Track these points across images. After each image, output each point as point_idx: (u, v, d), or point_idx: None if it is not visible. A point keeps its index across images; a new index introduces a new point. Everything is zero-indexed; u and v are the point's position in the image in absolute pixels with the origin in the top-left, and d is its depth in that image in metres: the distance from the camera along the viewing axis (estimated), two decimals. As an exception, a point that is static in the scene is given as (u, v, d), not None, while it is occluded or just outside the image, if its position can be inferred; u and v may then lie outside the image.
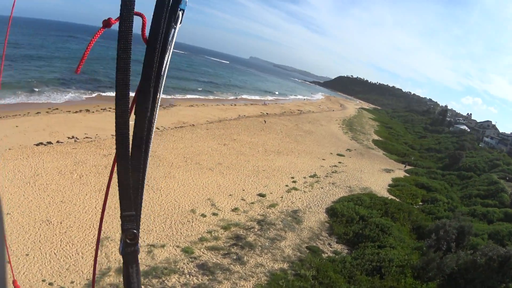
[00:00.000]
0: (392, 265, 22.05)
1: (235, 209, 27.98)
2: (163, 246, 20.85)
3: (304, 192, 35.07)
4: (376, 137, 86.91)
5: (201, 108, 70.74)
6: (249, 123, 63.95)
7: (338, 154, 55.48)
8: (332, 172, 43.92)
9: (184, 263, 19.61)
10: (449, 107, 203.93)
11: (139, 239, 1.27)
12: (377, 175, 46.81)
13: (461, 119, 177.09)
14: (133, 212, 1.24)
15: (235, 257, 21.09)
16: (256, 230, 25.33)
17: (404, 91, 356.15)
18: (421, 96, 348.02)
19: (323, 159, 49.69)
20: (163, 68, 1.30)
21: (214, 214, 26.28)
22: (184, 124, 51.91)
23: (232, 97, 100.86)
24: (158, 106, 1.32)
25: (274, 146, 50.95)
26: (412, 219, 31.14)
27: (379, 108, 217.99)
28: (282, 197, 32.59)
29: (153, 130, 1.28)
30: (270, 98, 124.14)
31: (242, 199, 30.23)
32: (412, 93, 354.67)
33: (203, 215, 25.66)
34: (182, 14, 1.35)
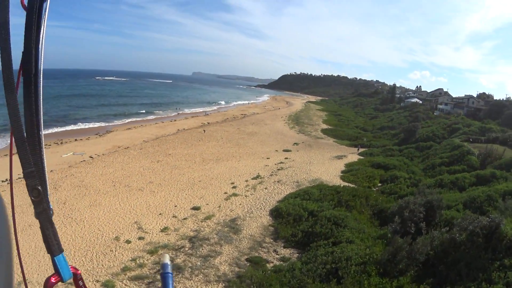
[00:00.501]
0: (350, 264, 17.84)
1: (164, 229, 24.38)
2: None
3: (245, 196, 31.14)
4: (325, 126, 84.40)
5: (139, 129, 66.66)
6: (187, 136, 59.77)
7: (284, 150, 51.79)
8: (278, 169, 40.08)
9: (103, 300, 15.84)
10: (397, 85, 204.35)
11: (48, 198, 1.23)
12: (327, 164, 43.29)
13: (411, 93, 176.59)
14: (32, 168, 1.20)
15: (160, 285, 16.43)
16: (186, 249, 21.63)
17: (350, 78, 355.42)
18: (367, 79, 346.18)
19: (267, 158, 45.91)
20: (42, 31, 1.26)
21: (140, 238, 23.02)
22: (118, 148, 47.99)
23: (174, 114, 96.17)
24: (42, 67, 1.27)
25: (213, 154, 46.91)
26: (371, 204, 27.49)
27: (326, 99, 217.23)
28: (219, 207, 28.68)
29: (40, 87, 1.27)
30: (214, 108, 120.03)
31: (173, 217, 26.49)
32: (358, 78, 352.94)
33: (128, 241, 22.42)
34: None
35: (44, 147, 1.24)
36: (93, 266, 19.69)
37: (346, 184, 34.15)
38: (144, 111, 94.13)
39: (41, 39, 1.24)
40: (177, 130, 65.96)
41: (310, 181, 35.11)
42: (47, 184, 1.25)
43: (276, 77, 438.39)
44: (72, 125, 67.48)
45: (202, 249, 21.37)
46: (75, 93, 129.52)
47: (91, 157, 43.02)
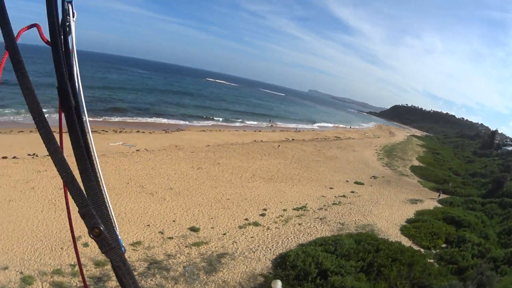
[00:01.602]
0: None
1: (135, 243, 20.06)
2: None
3: (267, 229, 25.21)
4: (416, 163, 73.29)
5: (213, 133, 63.59)
6: (256, 148, 54.54)
7: (356, 182, 44.04)
8: (333, 203, 33.20)
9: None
10: (499, 131, 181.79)
11: (117, 235, 1.26)
12: (396, 208, 34.84)
13: (508, 140, 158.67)
14: (88, 207, 1.16)
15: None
16: (135, 273, 15.43)
17: (457, 117, 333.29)
18: (474, 122, 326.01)
19: (330, 188, 38.79)
20: (73, 61, 1.28)
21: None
22: (175, 148, 44.94)
23: (264, 124, 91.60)
24: (83, 102, 1.28)
25: (269, 172, 40.99)
26: (414, 276, 19.40)
27: (431, 135, 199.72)
28: (225, 234, 23.32)
29: (88, 126, 1.31)
30: (311, 126, 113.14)
31: (159, 232, 22.03)
32: (465, 119, 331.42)
33: (86, 245, 18.02)
34: (72, 7, 1.29)
35: (103, 181, 1.27)
36: (30, 257, 17.21)
37: (404, 238, 26.31)
38: (233, 118, 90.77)
39: (74, 71, 1.24)
40: (253, 140, 61.30)
41: (358, 226, 27.79)
42: (114, 219, 1.24)
43: (388, 106, 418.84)
44: (147, 118, 66.99)
45: (149, 281, 16.57)
46: (173, 89, 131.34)
47: (138, 150, 40.46)
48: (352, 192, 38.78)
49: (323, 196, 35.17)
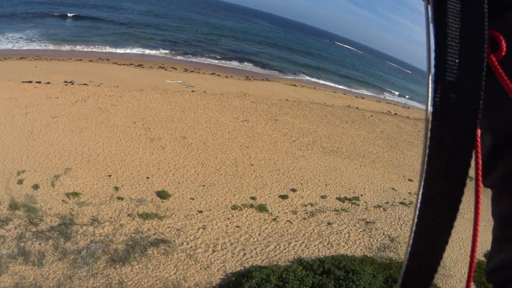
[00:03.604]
0: None
1: (73, 194, 15.71)
2: None
3: (273, 219, 17.83)
4: None
5: (302, 89, 54.88)
6: (341, 113, 45.32)
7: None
8: (400, 203, 23.94)
9: None
10: None
11: None
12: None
13: None
14: None
15: None
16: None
17: None
18: None
19: (409, 180, 29.01)
20: None
21: (35, 186, 15.79)
22: (242, 96, 38.43)
23: (369, 93, 79.86)
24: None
25: (337, 143, 32.22)
26: None
27: None
28: (200, 212, 16.84)
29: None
30: (417, 104, 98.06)
31: (114, 188, 16.79)
32: None
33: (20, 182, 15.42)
34: None
35: None
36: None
37: None
38: (339, 81, 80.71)
39: None
40: (346, 105, 51.93)
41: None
42: None
43: None
44: (236, 63, 62.08)
45: (34, 245, 12.32)
46: (288, 45, 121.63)
47: (193, 91, 35.29)
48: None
49: (393, 189, 26.01)
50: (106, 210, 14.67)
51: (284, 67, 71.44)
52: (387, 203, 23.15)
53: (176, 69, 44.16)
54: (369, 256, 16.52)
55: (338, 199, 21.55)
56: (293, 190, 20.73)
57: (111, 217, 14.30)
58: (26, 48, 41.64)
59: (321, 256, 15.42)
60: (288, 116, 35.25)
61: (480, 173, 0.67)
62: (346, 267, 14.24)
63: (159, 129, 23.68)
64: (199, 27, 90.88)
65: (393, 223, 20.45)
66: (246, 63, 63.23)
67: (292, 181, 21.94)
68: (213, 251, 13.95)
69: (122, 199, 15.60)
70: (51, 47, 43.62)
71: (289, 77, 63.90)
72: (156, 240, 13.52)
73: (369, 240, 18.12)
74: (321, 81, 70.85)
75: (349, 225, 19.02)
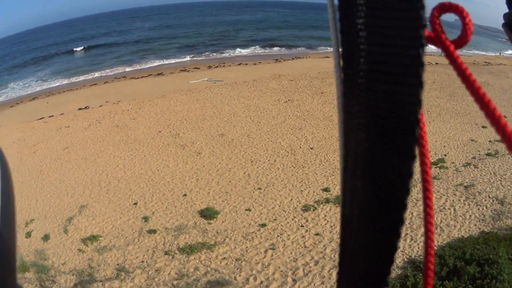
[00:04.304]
0: None
1: (91, 238, 11.77)
2: None
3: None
4: None
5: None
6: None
7: None
8: (487, 154, 18.59)
9: None
10: None
11: None
12: None
13: None
14: None
15: None
16: None
17: None
18: None
19: (482, 127, 23.57)
20: None
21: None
22: (275, 77, 33.63)
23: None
24: None
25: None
26: None
27: None
28: (264, 226, 12.15)
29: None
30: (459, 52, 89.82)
31: (143, 218, 12.76)
32: None
33: None
34: None
35: None
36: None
37: None
38: None
39: None
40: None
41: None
42: None
43: None
44: (259, 48, 58.12)
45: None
46: (309, 23, 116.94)
47: (222, 83, 31.40)
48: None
49: (472, 140, 20.64)
50: (135, 253, 10.42)
51: (310, 43, 66.62)
52: (474, 158, 17.89)
53: (199, 68, 40.16)
54: (486, 231, 11.56)
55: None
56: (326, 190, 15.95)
57: (142, 262, 10.03)
58: (38, 89, 39.24)
59: (436, 248, 10.54)
60: (333, 85, 30.29)
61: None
62: (475, 257, 9.34)
63: (191, 132, 19.40)
64: (215, 27, 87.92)
65: (492, 181, 15.17)
66: (271, 48, 58.80)
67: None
68: (294, 280, 9.32)
69: (154, 232, 11.28)
70: (65, 81, 40.78)
71: (320, 51, 58.74)
72: (210, 284, 9.03)
73: (478, 209, 12.98)
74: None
75: (448, 195, 13.96)
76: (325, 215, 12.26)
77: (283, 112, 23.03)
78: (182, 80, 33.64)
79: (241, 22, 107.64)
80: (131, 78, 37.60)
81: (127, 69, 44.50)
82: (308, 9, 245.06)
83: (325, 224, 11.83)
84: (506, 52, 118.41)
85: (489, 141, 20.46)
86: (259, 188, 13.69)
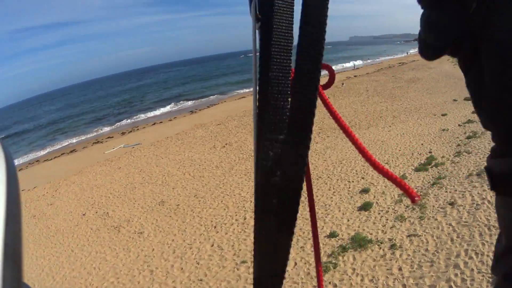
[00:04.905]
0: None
1: None
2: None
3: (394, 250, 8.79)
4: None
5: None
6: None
7: (466, 99, 26.86)
8: (467, 138, 16.54)
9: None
10: None
11: None
12: None
13: None
14: None
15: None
16: None
17: None
18: None
19: (442, 115, 22.03)
20: None
21: None
22: (197, 127, 30.04)
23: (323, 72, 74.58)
24: None
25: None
26: None
27: None
28: None
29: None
30: (366, 61, 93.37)
31: None
32: None
33: None
34: None
35: None
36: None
37: None
38: None
39: None
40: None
41: None
42: None
43: None
44: (172, 104, 55.61)
45: None
46: (210, 73, 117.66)
47: (141, 145, 26.98)
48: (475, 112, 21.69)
49: (443, 130, 18.83)
50: None
51: (220, 90, 65.82)
52: (459, 145, 15.60)
53: (112, 137, 35.58)
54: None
55: (416, 170, 13.67)
56: (365, 191, 12.46)
57: None
58: None
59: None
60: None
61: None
62: None
63: (122, 208, 14.62)
64: (120, 96, 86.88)
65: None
66: (182, 102, 55.80)
67: (351, 181, 13.72)
68: None
69: None
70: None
71: (233, 95, 56.93)
72: None
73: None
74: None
75: (465, 190, 11.15)
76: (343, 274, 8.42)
77: (226, 158, 19.12)
78: (97, 151, 28.91)
79: (144, 86, 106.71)
80: (45, 160, 32.32)
81: (41, 152, 39.60)
82: (205, 62, 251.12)
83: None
84: (411, 51, 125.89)
85: (459, 125, 19.00)
86: (244, 262, 9.43)
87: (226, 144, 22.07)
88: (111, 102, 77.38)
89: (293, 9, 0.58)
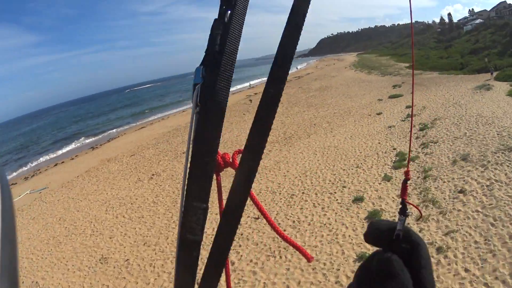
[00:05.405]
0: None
1: None
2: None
3: None
4: (406, 64, 57.63)
5: (159, 123, 46.00)
6: (227, 113, 35.46)
7: (391, 97, 27.16)
8: (421, 130, 16.77)
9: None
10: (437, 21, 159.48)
11: None
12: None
13: (463, 19, 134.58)
14: None
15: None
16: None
17: (388, 26, 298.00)
18: (407, 22, 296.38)
19: (377, 114, 22.30)
20: None
21: None
22: (108, 161, 26.45)
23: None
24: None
25: (275, 131, 22.57)
26: None
27: (375, 50, 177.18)
28: None
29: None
30: (258, 80, 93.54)
31: None
32: (396, 24, 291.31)
33: None
34: None
35: None
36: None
37: None
38: (178, 103, 74.49)
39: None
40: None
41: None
42: None
43: (314, 44, 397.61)
44: (70, 144, 50.03)
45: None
46: (98, 110, 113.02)
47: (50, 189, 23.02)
48: (409, 107, 22.15)
49: (389, 126, 18.55)
50: None
51: (116, 124, 62.29)
52: (418, 137, 15.54)
53: (16, 183, 29.98)
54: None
55: (396, 167, 12.76)
56: (359, 200, 10.65)
57: None
58: None
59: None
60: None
61: None
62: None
63: (53, 273, 10.81)
64: (9, 144, 77.21)
65: (464, 139, 13.74)
66: (81, 139, 50.59)
67: (315, 197, 11.81)
68: None
69: None
70: None
71: (131, 126, 53.54)
72: None
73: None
74: (160, 114, 62.14)
75: (463, 176, 10.63)
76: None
77: (162, 191, 16.10)
78: None
79: (34, 130, 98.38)
80: None
81: None
82: (92, 100, 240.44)
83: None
84: (299, 67, 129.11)
85: (402, 120, 19.32)
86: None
87: (153, 175, 19.00)
88: (1, 151, 68.79)
89: (227, 99, 0.66)
